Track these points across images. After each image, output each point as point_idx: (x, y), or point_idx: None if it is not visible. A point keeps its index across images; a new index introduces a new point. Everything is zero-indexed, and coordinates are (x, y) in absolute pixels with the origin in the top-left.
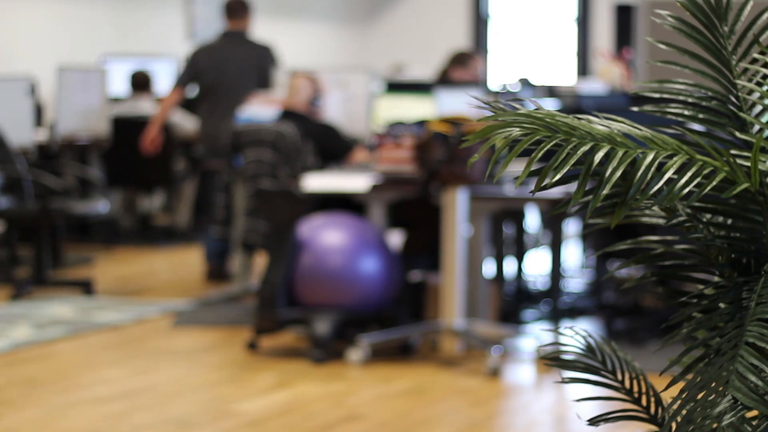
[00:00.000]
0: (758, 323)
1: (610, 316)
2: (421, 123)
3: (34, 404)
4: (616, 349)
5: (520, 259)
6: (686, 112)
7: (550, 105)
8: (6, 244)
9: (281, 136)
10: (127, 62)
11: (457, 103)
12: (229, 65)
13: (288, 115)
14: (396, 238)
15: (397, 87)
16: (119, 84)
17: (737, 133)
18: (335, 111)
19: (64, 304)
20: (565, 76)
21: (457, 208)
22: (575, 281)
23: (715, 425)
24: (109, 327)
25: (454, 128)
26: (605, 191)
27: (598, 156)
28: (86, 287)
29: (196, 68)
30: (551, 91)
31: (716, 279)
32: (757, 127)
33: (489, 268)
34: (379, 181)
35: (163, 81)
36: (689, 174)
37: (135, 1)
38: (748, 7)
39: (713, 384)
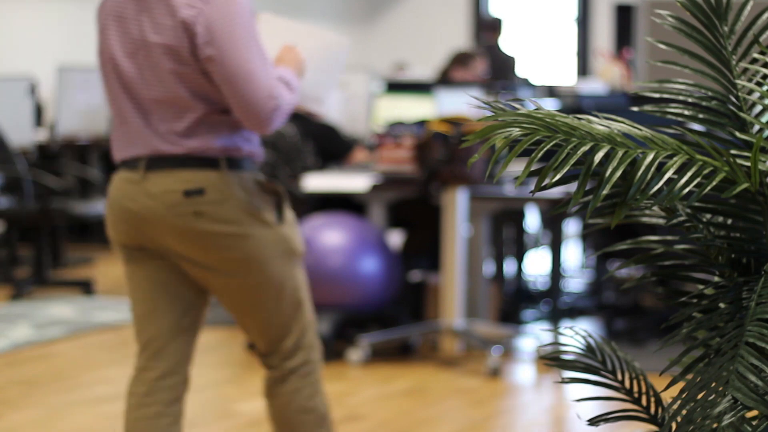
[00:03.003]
0: (758, 323)
1: (610, 316)
2: (421, 123)
3: (34, 404)
4: (616, 349)
5: (520, 259)
6: (686, 112)
7: (550, 105)
8: (6, 244)
9: (281, 136)
10: None
11: (457, 103)
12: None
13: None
14: (396, 238)
15: (397, 87)
16: None
17: (737, 133)
18: (335, 111)
19: (64, 304)
20: (565, 76)
21: (457, 208)
22: (575, 281)
23: (715, 425)
24: (109, 327)
25: (454, 128)
26: (605, 191)
27: (598, 156)
28: (86, 287)
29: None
30: (551, 91)
31: (716, 279)
32: (757, 127)
33: (489, 268)
34: (379, 181)
35: None
36: (689, 174)
37: None
38: (748, 7)
39: (713, 384)
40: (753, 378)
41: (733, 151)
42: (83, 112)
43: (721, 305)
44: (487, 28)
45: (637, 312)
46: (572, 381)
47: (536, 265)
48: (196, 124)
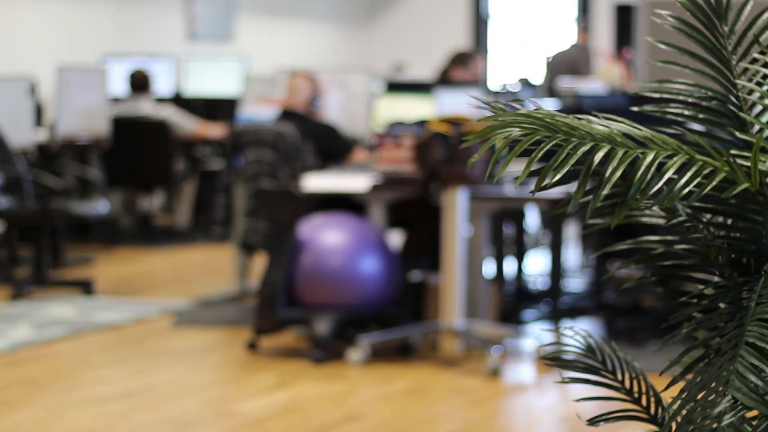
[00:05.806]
0: (758, 323)
1: (610, 316)
2: (421, 123)
3: (34, 404)
4: (616, 349)
5: (520, 259)
6: (686, 112)
7: (550, 105)
8: (6, 244)
9: (281, 136)
10: (127, 62)
11: (457, 103)
12: (563, 67)
13: (288, 115)
14: (396, 238)
15: (397, 87)
16: (119, 84)
17: (737, 133)
18: (335, 111)
19: (64, 304)
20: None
21: (457, 208)
22: (575, 281)
23: (715, 425)
24: (109, 327)
25: (454, 128)
26: (605, 191)
27: (598, 156)
28: (86, 287)
29: (552, 69)
30: (551, 91)
31: (716, 279)
32: (757, 127)
33: (489, 268)
34: (379, 181)
35: (163, 81)
36: (689, 174)
37: (135, 1)
38: (748, 7)
39: (713, 384)
40: (753, 378)
41: (733, 151)
42: (83, 112)
43: (721, 305)
44: (579, 29)
45: (637, 312)
46: (572, 381)
47: (536, 265)
48: None
